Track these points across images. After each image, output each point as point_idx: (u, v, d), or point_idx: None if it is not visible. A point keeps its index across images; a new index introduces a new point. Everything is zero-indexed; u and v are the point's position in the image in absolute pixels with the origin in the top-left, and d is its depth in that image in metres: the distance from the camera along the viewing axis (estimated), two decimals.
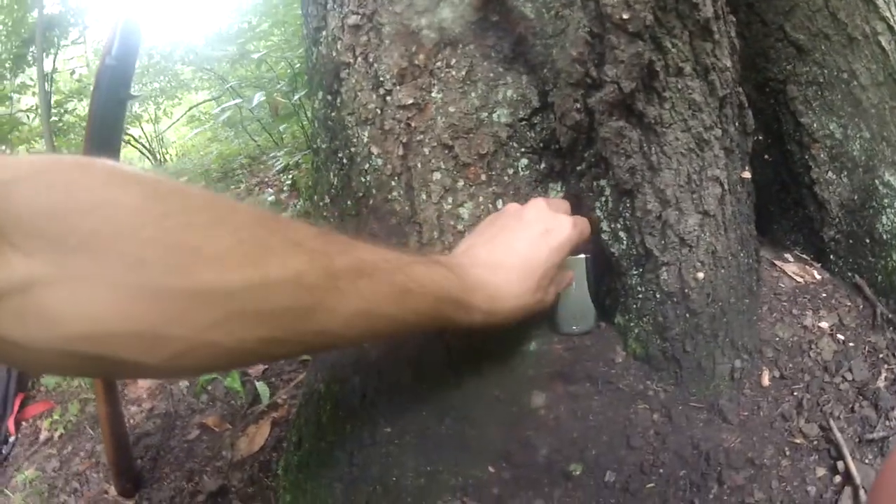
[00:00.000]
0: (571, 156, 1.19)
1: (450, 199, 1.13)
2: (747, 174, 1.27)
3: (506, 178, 1.16)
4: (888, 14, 1.46)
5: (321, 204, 1.24)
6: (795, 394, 1.28)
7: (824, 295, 1.47)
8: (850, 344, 1.41)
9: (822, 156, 1.43)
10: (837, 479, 1.27)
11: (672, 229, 1.16)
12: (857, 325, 1.45)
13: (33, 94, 3.91)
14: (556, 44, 1.13)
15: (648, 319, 1.21)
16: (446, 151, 1.13)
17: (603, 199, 1.20)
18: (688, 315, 1.19)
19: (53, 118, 3.60)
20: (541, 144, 1.18)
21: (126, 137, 5.79)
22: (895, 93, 1.45)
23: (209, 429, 1.42)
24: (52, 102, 3.63)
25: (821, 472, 1.26)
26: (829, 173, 1.44)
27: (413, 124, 1.13)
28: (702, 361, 1.21)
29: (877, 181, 1.46)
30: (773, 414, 1.24)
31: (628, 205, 1.16)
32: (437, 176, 1.13)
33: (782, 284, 1.45)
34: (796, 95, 1.42)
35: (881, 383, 1.41)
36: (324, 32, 1.20)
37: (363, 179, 1.16)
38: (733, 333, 1.25)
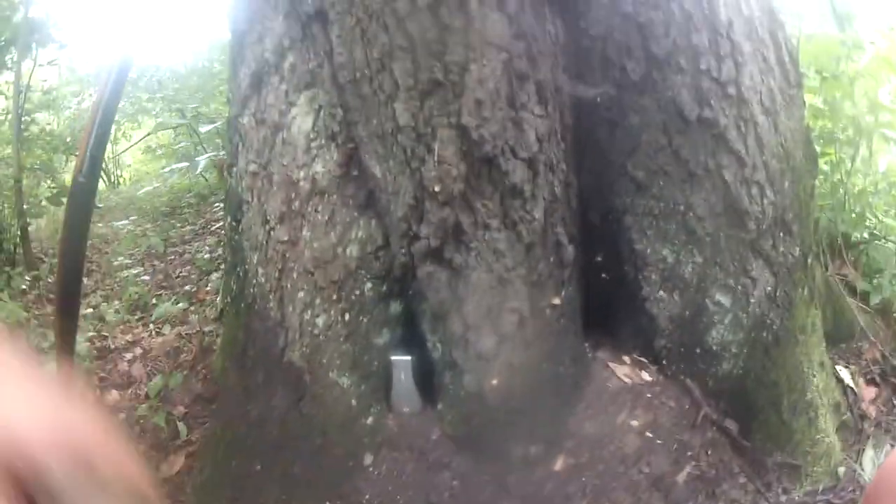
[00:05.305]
0: (405, 282, 1.55)
1: (308, 312, 1.55)
2: (557, 301, 1.56)
3: (353, 297, 1.55)
4: (739, 146, 1.59)
5: (224, 302, 1.70)
6: (584, 479, 1.58)
7: (649, 395, 1.71)
8: (658, 441, 1.66)
9: (653, 277, 1.66)
10: None
11: (473, 347, 1.49)
12: (673, 424, 1.68)
13: (5, 97, 4.04)
14: (394, 201, 1.49)
15: (458, 410, 1.56)
16: (309, 276, 1.53)
17: (426, 317, 1.55)
18: (486, 410, 1.53)
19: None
20: (384, 272, 1.55)
21: None
22: (734, 221, 1.61)
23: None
24: (22, 111, 3.80)
25: None
26: (661, 292, 1.67)
27: (287, 255, 1.54)
28: (499, 446, 1.55)
29: (707, 300, 1.65)
30: (558, 494, 1.56)
31: (441, 325, 1.51)
32: (300, 294, 1.54)
33: (609, 385, 1.71)
34: (632, 225, 1.64)
35: (681, 478, 1.66)
36: (234, 169, 1.64)
37: (251, 290, 1.60)
38: (533, 426, 1.56)
